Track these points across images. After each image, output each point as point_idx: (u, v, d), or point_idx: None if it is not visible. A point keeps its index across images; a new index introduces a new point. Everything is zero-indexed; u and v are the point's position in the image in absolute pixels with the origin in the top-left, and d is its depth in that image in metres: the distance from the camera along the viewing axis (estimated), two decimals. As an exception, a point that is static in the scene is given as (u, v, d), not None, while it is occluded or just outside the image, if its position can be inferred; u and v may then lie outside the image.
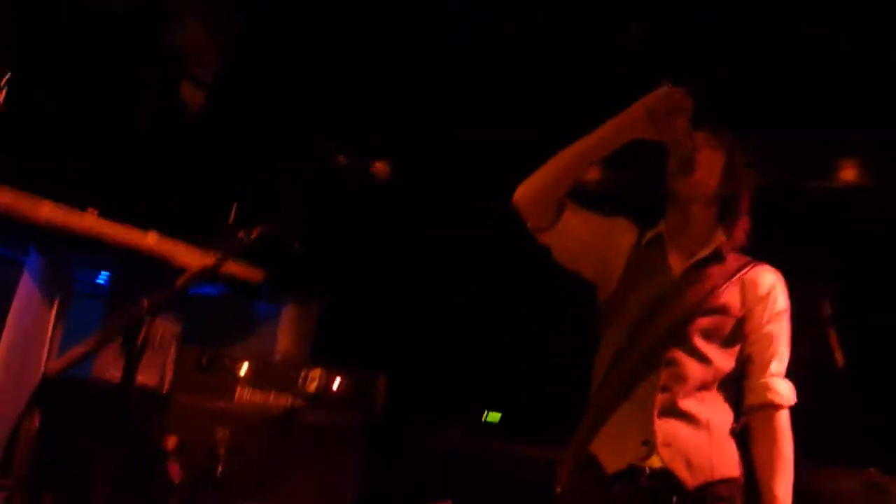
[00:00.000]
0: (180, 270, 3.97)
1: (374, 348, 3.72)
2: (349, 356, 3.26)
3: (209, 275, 1.62)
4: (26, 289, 3.54)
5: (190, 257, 3.97)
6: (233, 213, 4.32)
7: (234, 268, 4.16)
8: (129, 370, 1.36)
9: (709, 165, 1.76)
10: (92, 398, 2.74)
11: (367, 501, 2.88)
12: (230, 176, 4.21)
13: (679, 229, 1.80)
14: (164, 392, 2.87)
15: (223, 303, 4.60)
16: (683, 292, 1.73)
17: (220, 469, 2.56)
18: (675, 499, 1.61)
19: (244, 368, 2.84)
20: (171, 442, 2.52)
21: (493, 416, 3.51)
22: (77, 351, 1.40)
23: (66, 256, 3.82)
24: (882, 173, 3.79)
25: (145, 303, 1.42)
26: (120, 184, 3.67)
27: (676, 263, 1.78)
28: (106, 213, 3.54)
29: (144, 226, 3.82)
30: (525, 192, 1.77)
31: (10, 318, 3.47)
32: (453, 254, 4.41)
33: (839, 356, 2.71)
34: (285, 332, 4.53)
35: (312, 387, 2.91)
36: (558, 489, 1.74)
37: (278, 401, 2.85)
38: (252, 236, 1.65)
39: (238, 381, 2.81)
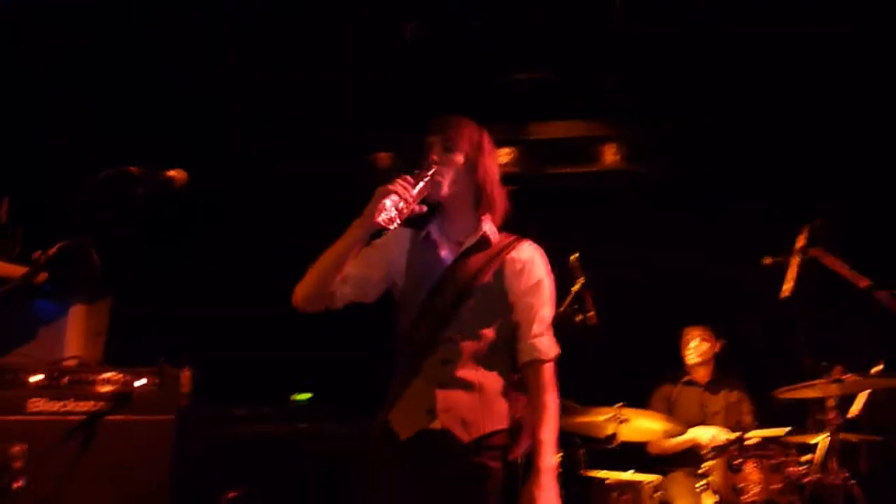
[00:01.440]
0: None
1: (170, 343, 3.68)
2: (146, 353, 3.22)
3: (20, 290, 1.60)
4: None
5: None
6: (4, 209, 4.00)
7: (10, 269, 3.88)
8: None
9: (450, 173, 1.99)
10: None
11: (177, 495, 2.93)
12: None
13: (447, 225, 2.08)
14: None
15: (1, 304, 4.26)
16: (454, 278, 2.00)
17: (18, 485, 2.48)
18: (453, 452, 1.89)
19: (36, 377, 2.73)
20: (14, 457, 2.41)
21: (302, 397, 3.66)
22: None
23: None
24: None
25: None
26: None
27: (448, 255, 2.05)
28: None
29: None
30: (303, 298, 1.99)
31: None
32: (245, 243, 4.47)
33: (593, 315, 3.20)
34: (74, 333, 4.30)
35: (112, 389, 2.87)
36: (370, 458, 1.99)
37: (77, 407, 2.78)
38: (49, 254, 1.65)
39: (30, 392, 2.69)
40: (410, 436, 1.92)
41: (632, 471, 3.36)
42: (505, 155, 4.71)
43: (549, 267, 2.12)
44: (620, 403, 3.26)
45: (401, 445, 1.93)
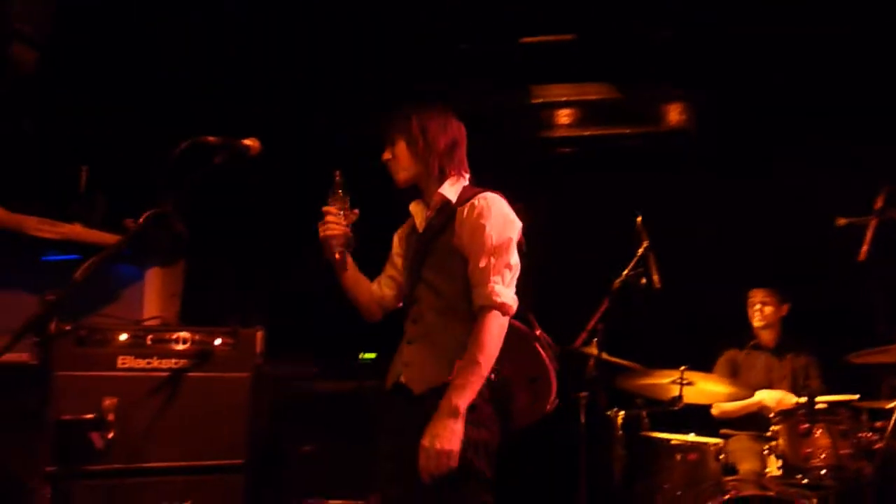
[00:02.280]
0: (33, 240, 3.85)
1: (242, 303, 3.83)
2: (220, 313, 3.37)
3: (118, 257, 1.71)
4: None
5: (41, 228, 3.85)
6: (83, 178, 4.19)
7: (94, 235, 4.08)
8: (45, 358, 1.47)
9: (399, 159, 2.20)
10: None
11: (253, 449, 3.08)
12: (74, 139, 4.06)
13: (422, 201, 2.26)
14: (37, 365, 2.85)
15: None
16: (421, 242, 2.18)
17: (111, 436, 2.66)
18: (412, 403, 2.04)
19: (123, 336, 2.89)
20: (106, 409, 2.59)
21: (369, 356, 3.77)
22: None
23: None
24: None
25: (51, 297, 1.51)
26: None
27: (420, 226, 2.22)
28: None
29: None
30: (365, 317, 2.38)
31: None
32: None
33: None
34: (152, 294, 4.51)
35: (192, 348, 3.02)
36: None
37: (161, 364, 2.94)
38: (140, 222, 1.75)
39: (119, 350, 2.86)
40: (389, 388, 2.14)
41: (692, 434, 3.36)
42: (565, 116, 4.66)
43: (504, 215, 2.11)
44: (684, 366, 3.26)
45: (386, 396, 2.15)
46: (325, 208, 2.19)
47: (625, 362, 3.31)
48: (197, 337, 3.02)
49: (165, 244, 3.75)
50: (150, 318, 3.48)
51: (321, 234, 2.18)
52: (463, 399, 1.92)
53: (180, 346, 2.97)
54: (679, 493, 3.18)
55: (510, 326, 2.06)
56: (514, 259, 2.08)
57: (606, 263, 3.29)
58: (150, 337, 2.94)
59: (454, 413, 1.90)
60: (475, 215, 2.09)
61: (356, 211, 2.21)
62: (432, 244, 2.14)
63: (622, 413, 3.24)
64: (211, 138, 2.02)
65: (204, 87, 3.96)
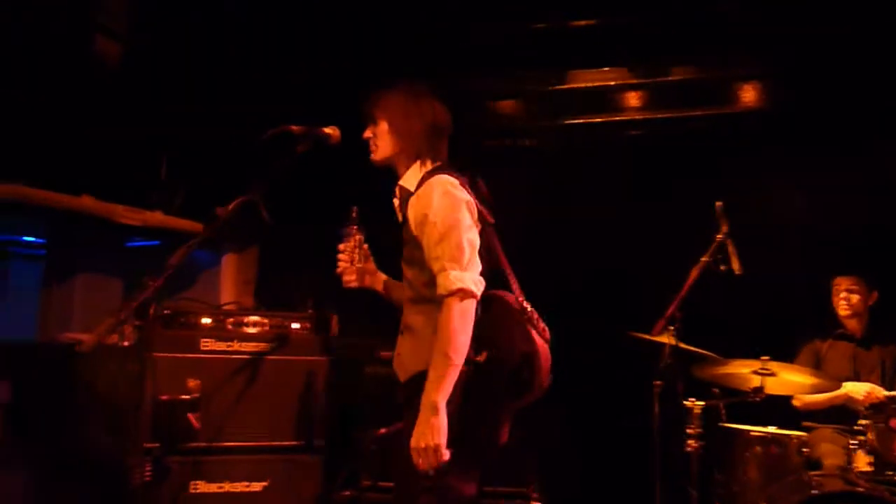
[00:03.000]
0: (120, 227, 4.00)
1: (313, 288, 3.89)
2: (291, 298, 3.44)
3: (206, 243, 1.77)
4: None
5: (127, 215, 4.02)
6: (163, 168, 4.34)
7: (172, 221, 4.23)
8: (146, 341, 1.52)
9: (379, 138, 2.17)
10: (74, 360, 2.85)
11: (331, 430, 3.14)
12: (156, 130, 4.20)
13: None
14: (126, 346, 2.97)
15: (161, 255, 4.67)
16: (399, 234, 2.17)
17: (198, 416, 2.76)
18: (401, 391, 2.09)
19: (206, 319, 2.98)
20: (192, 390, 2.70)
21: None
22: (104, 326, 1.54)
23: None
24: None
25: (152, 282, 1.57)
26: (46, 150, 3.63)
27: (399, 216, 2.20)
28: (37, 182, 3.52)
29: (75, 187, 3.81)
30: None
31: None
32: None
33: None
34: (228, 280, 4.65)
35: (271, 331, 3.09)
36: None
37: (241, 347, 3.02)
38: (229, 210, 1.79)
39: (202, 333, 2.95)
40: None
41: (773, 426, 3.25)
42: (635, 99, 4.54)
43: (446, 196, 2.04)
44: (765, 357, 3.15)
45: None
46: (340, 246, 2.27)
47: (702, 351, 3.22)
48: (275, 321, 3.10)
49: (245, 231, 3.86)
50: (229, 302, 3.58)
51: (343, 278, 2.27)
52: (439, 393, 1.90)
53: (259, 330, 3.06)
54: (759, 487, 3.09)
55: (496, 300, 2.04)
56: (468, 237, 2.00)
57: (683, 250, 3.20)
58: (230, 321, 3.03)
59: (433, 409, 1.90)
60: (419, 204, 2.07)
61: (365, 247, 2.29)
62: (402, 236, 2.16)
63: (700, 403, 3.16)
64: (294, 127, 2.05)
65: (279, 76, 4.02)
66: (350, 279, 2.26)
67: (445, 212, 2.01)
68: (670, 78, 4.29)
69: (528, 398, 2.08)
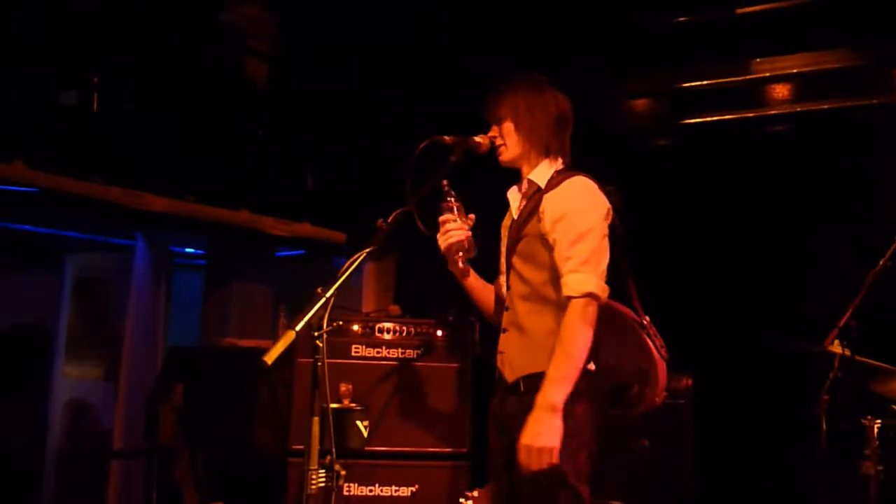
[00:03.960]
0: (271, 238, 4.23)
1: (448, 296, 3.92)
2: (428, 306, 3.48)
3: (372, 253, 1.83)
4: (139, 270, 3.86)
5: (278, 227, 4.25)
6: (309, 179, 4.55)
7: (318, 231, 4.43)
8: (317, 351, 1.59)
9: (507, 139, 2.12)
10: (237, 364, 3.04)
11: (478, 437, 3.15)
12: (301, 145, 4.41)
13: (521, 184, 2.17)
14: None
15: (306, 263, 4.90)
16: (513, 230, 2.12)
17: (367, 424, 2.86)
18: (506, 390, 2.06)
19: (356, 326, 3.08)
20: (342, 395, 2.82)
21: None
22: (282, 339, 1.62)
23: (166, 238, 4.11)
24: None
25: (320, 291, 1.63)
26: (205, 166, 3.90)
27: (515, 212, 2.15)
28: (197, 196, 3.79)
29: (230, 201, 4.07)
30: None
31: (131, 299, 3.80)
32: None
33: None
34: (369, 287, 4.80)
35: (417, 339, 3.15)
36: None
37: (389, 353, 3.10)
38: (389, 221, 1.84)
39: (353, 339, 3.05)
40: (494, 375, 2.14)
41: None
42: (781, 91, 4.26)
43: (590, 199, 2.03)
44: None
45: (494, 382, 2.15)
46: (442, 218, 2.12)
47: (881, 364, 2.95)
48: (421, 329, 3.15)
49: (394, 241, 3.95)
50: (376, 310, 3.69)
51: (443, 244, 2.12)
52: (559, 394, 1.87)
53: (406, 337, 3.12)
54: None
55: (615, 313, 2.01)
56: (603, 244, 1.99)
57: (857, 251, 2.95)
58: (378, 327, 3.12)
59: (551, 409, 1.86)
60: (560, 201, 2.02)
61: (472, 216, 2.15)
62: (522, 231, 2.09)
63: (878, 422, 2.89)
64: (446, 137, 2.07)
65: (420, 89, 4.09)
66: (460, 249, 2.11)
67: (588, 214, 2.00)
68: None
69: (632, 412, 2.06)
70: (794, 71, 4.06)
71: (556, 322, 1.97)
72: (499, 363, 2.12)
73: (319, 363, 1.63)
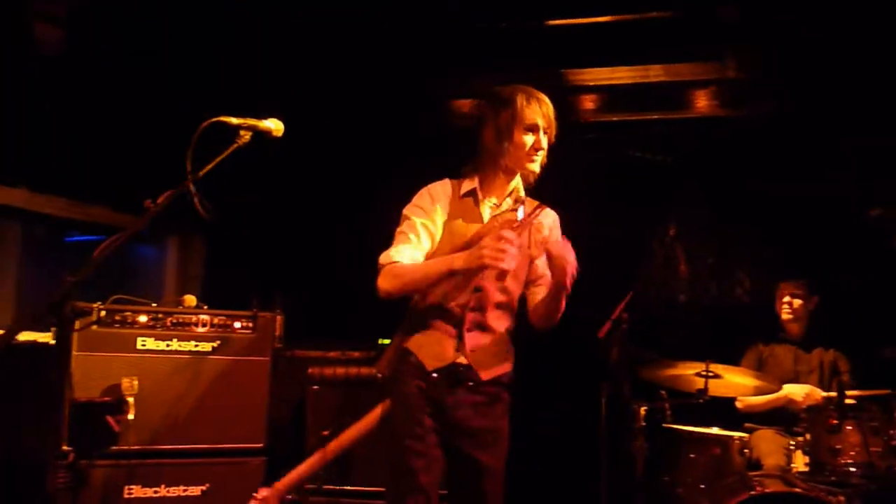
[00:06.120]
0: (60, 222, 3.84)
1: (261, 286, 3.81)
2: (239, 297, 3.35)
3: (133, 236, 1.68)
4: None
5: (69, 209, 3.88)
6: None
7: (115, 217, 4.10)
8: (62, 338, 1.45)
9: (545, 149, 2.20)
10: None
11: (273, 432, 3.07)
12: (99, 119, 4.05)
13: (490, 185, 2.22)
14: (55, 345, 2.84)
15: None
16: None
17: (130, 417, 2.66)
18: (471, 384, 2.14)
19: (143, 317, 2.88)
20: (126, 390, 2.60)
21: (386, 342, 3.74)
22: (15, 324, 1.45)
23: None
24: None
25: (71, 277, 1.49)
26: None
27: (486, 212, 2.21)
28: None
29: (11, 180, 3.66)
30: (385, 296, 2.13)
31: None
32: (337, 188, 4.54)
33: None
34: (172, 277, 4.52)
35: (212, 331, 3.01)
36: (379, 376, 2.23)
37: (181, 346, 2.93)
38: (158, 202, 1.72)
39: (139, 331, 2.86)
40: (439, 367, 2.12)
41: (716, 427, 3.30)
42: (590, 102, 4.55)
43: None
44: (709, 359, 3.19)
45: (427, 372, 2.12)
46: (505, 232, 1.96)
47: (648, 353, 3.25)
48: (217, 320, 3.01)
49: (183, 225, 3.74)
50: (169, 300, 3.48)
51: (488, 260, 1.95)
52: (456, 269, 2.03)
53: (200, 329, 2.97)
54: (702, 486, 3.12)
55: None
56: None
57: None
58: (169, 319, 2.94)
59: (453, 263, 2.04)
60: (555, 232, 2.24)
61: (544, 236, 2.17)
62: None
63: (645, 405, 3.18)
64: (232, 119, 1.97)
65: (231, 66, 3.91)
66: (505, 274, 2.06)
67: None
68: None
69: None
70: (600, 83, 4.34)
71: (513, 323, 2.21)
72: (469, 359, 2.14)
73: (65, 353, 1.48)
